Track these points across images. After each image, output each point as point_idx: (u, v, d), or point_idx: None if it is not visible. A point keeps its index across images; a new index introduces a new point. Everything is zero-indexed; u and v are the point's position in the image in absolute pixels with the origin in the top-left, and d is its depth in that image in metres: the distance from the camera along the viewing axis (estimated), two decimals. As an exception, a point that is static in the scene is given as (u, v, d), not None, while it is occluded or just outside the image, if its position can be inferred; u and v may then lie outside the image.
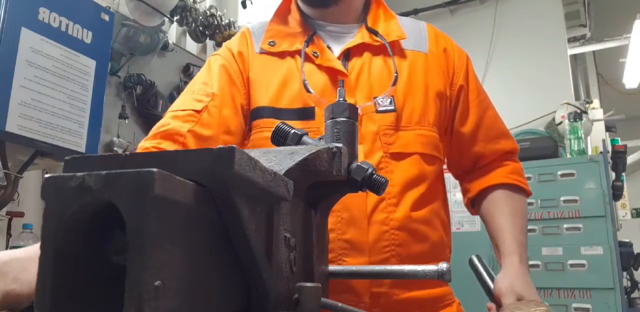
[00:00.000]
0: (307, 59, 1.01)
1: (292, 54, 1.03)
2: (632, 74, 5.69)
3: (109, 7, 2.18)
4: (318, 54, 1.01)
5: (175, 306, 0.29)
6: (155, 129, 0.95)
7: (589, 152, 3.84)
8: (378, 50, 1.03)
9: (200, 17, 2.79)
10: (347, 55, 1.02)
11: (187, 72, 2.80)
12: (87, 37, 1.84)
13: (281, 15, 1.11)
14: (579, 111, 3.52)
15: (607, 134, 4.35)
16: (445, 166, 1.10)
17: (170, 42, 2.67)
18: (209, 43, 3.02)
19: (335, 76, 0.99)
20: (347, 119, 0.65)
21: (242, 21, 3.13)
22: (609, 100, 6.47)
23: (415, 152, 0.98)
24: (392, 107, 0.98)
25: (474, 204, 1.11)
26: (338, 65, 1.00)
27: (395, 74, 1.00)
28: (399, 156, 0.96)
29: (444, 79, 1.06)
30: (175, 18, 2.68)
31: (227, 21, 2.91)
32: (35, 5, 1.67)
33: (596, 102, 4.66)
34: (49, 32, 1.70)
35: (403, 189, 0.95)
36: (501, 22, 4.58)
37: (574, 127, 3.46)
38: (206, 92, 0.99)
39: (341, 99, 0.67)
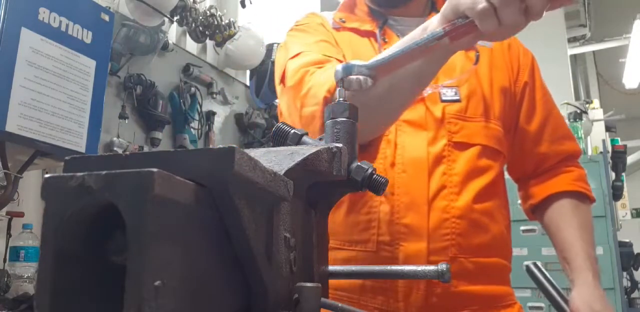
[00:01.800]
0: (377, 41, 1.01)
1: (362, 33, 1.03)
2: (632, 74, 5.69)
3: (109, 7, 2.18)
4: (387, 40, 1.01)
5: (175, 306, 0.29)
6: (309, 64, 0.92)
7: (589, 152, 3.84)
8: None
9: (200, 17, 2.79)
10: None
11: (187, 72, 2.80)
12: (87, 37, 1.84)
13: (348, 7, 1.11)
14: (579, 111, 3.52)
15: (607, 134, 4.35)
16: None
17: (170, 42, 2.67)
18: (209, 43, 3.02)
19: None
20: (347, 119, 0.65)
21: (242, 21, 3.13)
22: (609, 100, 6.48)
23: (479, 144, 0.96)
24: (457, 98, 0.97)
25: (535, 210, 1.08)
26: None
27: (477, 54, 1.00)
28: (462, 146, 0.95)
29: (508, 75, 1.05)
30: (175, 18, 2.68)
31: (227, 21, 2.91)
32: (35, 5, 1.67)
33: (596, 102, 4.66)
34: (49, 32, 1.70)
35: (465, 178, 0.93)
36: (501, 22, 4.58)
37: (574, 127, 3.46)
38: (336, 53, 0.99)
39: (341, 99, 0.67)
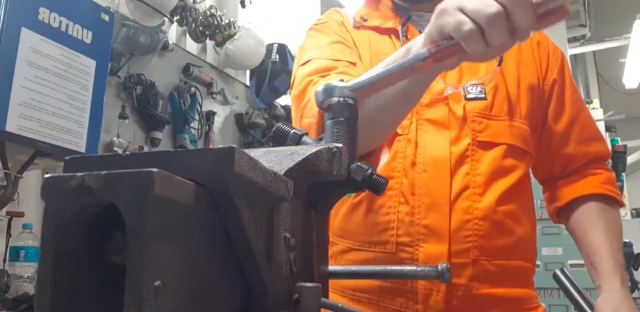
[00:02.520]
0: (399, 39, 0.99)
1: (383, 31, 1.02)
2: (632, 74, 5.69)
3: (109, 7, 2.18)
4: (409, 37, 0.99)
5: (175, 306, 0.29)
6: (318, 71, 0.91)
7: (589, 152, 3.84)
8: None
9: (200, 17, 2.79)
10: None
11: (187, 72, 2.80)
12: (87, 37, 1.84)
13: (373, 1, 1.09)
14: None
15: (607, 134, 4.35)
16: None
17: (170, 42, 2.67)
18: (209, 43, 3.02)
19: None
20: (346, 118, 0.65)
21: (242, 21, 3.13)
22: (609, 100, 6.48)
23: (504, 143, 0.94)
24: (482, 95, 0.95)
25: (560, 213, 1.06)
26: None
27: (500, 57, 0.97)
28: (487, 145, 0.93)
29: (536, 72, 1.03)
30: (175, 18, 2.68)
31: (227, 21, 2.91)
32: (35, 5, 1.67)
33: (596, 102, 4.66)
34: (49, 32, 1.70)
35: (489, 179, 0.91)
36: (501, 22, 4.58)
37: (574, 127, 3.46)
38: (349, 54, 0.97)
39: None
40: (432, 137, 0.93)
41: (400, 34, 0.99)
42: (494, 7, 0.59)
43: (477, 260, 0.88)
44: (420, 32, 1.00)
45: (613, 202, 1.02)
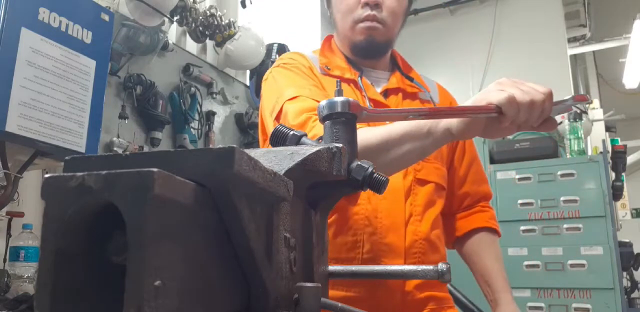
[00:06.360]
0: (358, 88, 1.17)
1: (344, 80, 1.18)
2: (632, 74, 5.69)
3: (109, 7, 2.18)
4: (364, 87, 1.17)
5: (175, 306, 0.29)
6: (302, 113, 1.02)
7: (589, 152, 3.84)
8: (408, 94, 1.23)
9: (200, 17, 2.78)
10: (384, 95, 1.21)
11: (187, 72, 2.80)
12: (87, 37, 1.84)
13: (327, 54, 1.26)
14: (579, 111, 3.52)
15: (607, 134, 4.35)
16: None
17: (170, 42, 2.66)
18: (209, 43, 3.02)
19: (379, 107, 1.14)
20: (346, 119, 0.64)
21: (242, 21, 3.13)
22: (609, 100, 6.48)
23: (433, 181, 1.16)
24: None
25: (456, 241, 1.29)
26: (382, 99, 1.17)
27: (433, 100, 1.22)
28: (422, 182, 1.15)
29: None
30: (175, 18, 2.67)
31: (227, 21, 2.91)
32: (35, 5, 1.66)
33: (596, 102, 4.66)
34: (49, 32, 1.70)
35: (424, 208, 1.13)
36: (501, 22, 4.58)
37: (574, 127, 3.45)
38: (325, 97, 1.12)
39: (341, 99, 0.67)
40: None
41: (360, 84, 1.17)
42: (542, 95, 0.79)
43: None
44: (372, 84, 1.20)
45: (496, 234, 1.28)
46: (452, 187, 1.27)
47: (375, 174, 0.58)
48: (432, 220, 1.13)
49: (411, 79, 1.26)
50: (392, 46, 1.28)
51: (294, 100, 1.06)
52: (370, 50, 1.22)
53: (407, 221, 1.09)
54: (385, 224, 1.07)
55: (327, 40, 1.30)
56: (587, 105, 4.02)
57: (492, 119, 0.80)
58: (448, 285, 1.15)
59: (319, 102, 1.03)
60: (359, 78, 1.18)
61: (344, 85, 1.17)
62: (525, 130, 0.83)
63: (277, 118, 1.08)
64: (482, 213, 1.28)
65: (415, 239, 1.09)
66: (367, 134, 0.87)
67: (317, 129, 0.97)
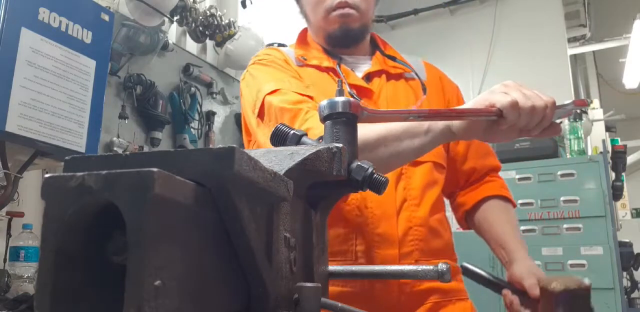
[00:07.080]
0: (338, 76, 1.13)
1: (322, 69, 1.16)
2: (632, 74, 5.69)
3: (109, 7, 2.18)
4: (344, 74, 1.14)
5: (175, 305, 0.29)
6: (289, 104, 1.00)
7: (589, 152, 3.84)
8: (392, 75, 1.19)
9: (200, 17, 2.78)
10: (367, 79, 1.17)
11: (187, 72, 2.80)
12: (87, 37, 1.84)
13: (303, 45, 1.24)
14: (579, 111, 3.52)
15: (607, 134, 4.35)
16: None
17: (170, 42, 2.66)
18: (209, 43, 3.02)
19: (362, 93, 1.12)
20: (346, 118, 0.64)
21: (242, 21, 3.13)
22: (609, 100, 6.48)
23: (429, 161, 1.11)
24: None
25: (467, 216, 1.21)
26: (364, 83, 1.14)
27: (423, 87, 1.17)
28: (415, 163, 1.09)
29: (443, 103, 1.22)
30: (175, 18, 2.67)
31: (227, 21, 2.91)
32: (35, 5, 1.66)
33: (596, 102, 4.66)
34: (49, 32, 1.70)
35: (422, 191, 1.08)
36: (501, 22, 4.58)
37: (574, 127, 3.46)
38: (304, 88, 1.08)
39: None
40: None
41: (339, 72, 1.14)
42: (544, 102, 0.79)
43: (419, 260, 1.03)
44: (352, 70, 1.17)
45: (509, 202, 1.19)
46: (455, 164, 1.21)
47: (375, 175, 0.58)
48: (431, 203, 1.08)
49: (393, 58, 1.22)
50: (369, 31, 1.24)
51: (274, 93, 1.04)
52: (347, 39, 1.19)
53: (400, 207, 1.05)
54: (376, 213, 1.03)
55: (302, 34, 1.27)
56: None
57: (493, 120, 0.81)
58: (466, 264, 1.03)
59: (299, 94, 1.03)
60: (337, 66, 1.15)
61: (322, 75, 1.15)
62: (527, 136, 0.82)
63: (260, 114, 1.06)
64: (491, 183, 1.21)
65: (410, 226, 1.04)
66: (365, 130, 0.86)
67: (311, 122, 0.95)
